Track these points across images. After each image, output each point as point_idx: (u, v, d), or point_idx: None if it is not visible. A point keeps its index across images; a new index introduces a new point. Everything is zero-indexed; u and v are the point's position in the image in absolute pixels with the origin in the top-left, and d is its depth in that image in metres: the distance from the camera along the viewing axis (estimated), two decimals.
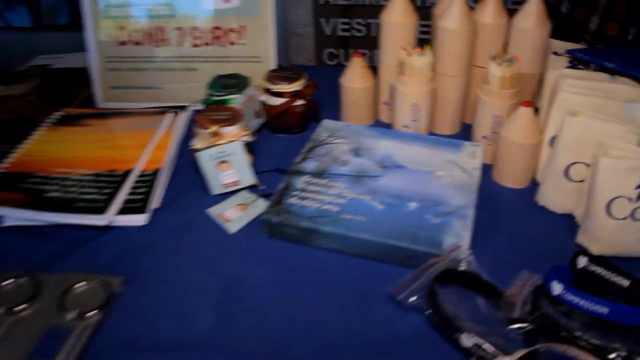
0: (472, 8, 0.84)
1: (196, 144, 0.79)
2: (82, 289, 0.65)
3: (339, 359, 0.57)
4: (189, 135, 0.92)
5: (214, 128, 0.77)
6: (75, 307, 0.63)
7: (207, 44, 0.99)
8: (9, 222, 0.76)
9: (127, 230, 0.75)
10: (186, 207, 0.78)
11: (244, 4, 0.96)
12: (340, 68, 0.92)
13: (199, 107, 0.92)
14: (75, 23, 1.69)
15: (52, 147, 0.88)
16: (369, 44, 1.59)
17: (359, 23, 1.53)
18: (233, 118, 0.79)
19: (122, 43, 1.00)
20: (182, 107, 0.99)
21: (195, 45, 1.00)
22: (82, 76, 1.10)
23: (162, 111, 0.97)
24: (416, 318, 0.61)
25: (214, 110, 0.81)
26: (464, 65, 0.86)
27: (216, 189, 0.79)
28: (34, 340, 0.59)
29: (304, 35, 1.26)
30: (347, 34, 1.58)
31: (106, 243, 0.73)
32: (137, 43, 1.00)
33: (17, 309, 0.63)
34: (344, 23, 1.56)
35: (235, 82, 0.90)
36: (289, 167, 0.79)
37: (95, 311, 0.63)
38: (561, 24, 0.93)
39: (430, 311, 0.59)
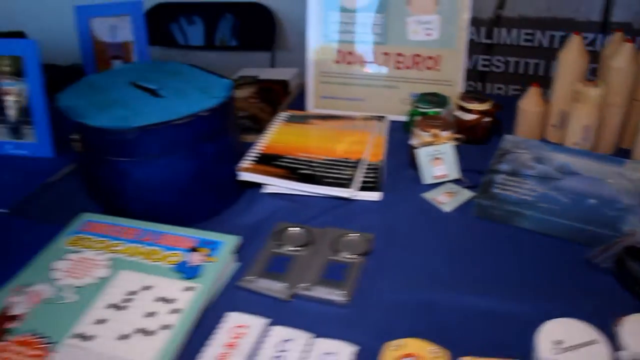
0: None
1: (416, 142, 1.02)
2: (349, 239, 0.88)
3: (544, 301, 0.77)
4: (390, 138, 1.15)
5: (434, 131, 1.00)
6: (345, 251, 0.86)
7: (407, 68, 1.23)
8: (270, 190, 1.00)
9: (365, 203, 0.98)
10: (404, 191, 1.01)
11: (443, 37, 1.20)
12: None
13: (403, 117, 1.17)
14: (243, 46, 2.00)
15: (291, 138, 1.13)
16: (506, 79, 1.82)
17: (498, 60, 1.76)
18: (445, 125, 1.02)
19: (337, 62, 1.26)
20: (381, 117, 1.23)
21: (398, 68, 1.24)
22: (283, 85, 1.36)
23: (370, 118, 1.22)
24: (604, 277, 0.80)
25: (430, 119, 1.04)
26: (627, 98, 1.07)
27: (428, 179, 1.02)
28: (321, 268, 0.82)
29: None
30: (486, 69, 1.82)
31: (350, 211, 0.96)
32: (349, 63, 1.25)
33: (298, 248, 0.87)
34: (484, 59, 1.80)
35: (436, 99, 1.14)
36: (480, 169, 1.01)
37: (358, 256, 0.85)
38: None
39: (618, 271, 0.80)
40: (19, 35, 1.59)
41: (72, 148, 0.95)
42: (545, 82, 1.48)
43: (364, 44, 1.23)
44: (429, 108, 1.10)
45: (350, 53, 1.24)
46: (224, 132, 0.95)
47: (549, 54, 1.66)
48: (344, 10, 1.22)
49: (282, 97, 1.34)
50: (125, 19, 1.37)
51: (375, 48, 1.23)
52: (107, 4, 1.36)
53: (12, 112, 1.18)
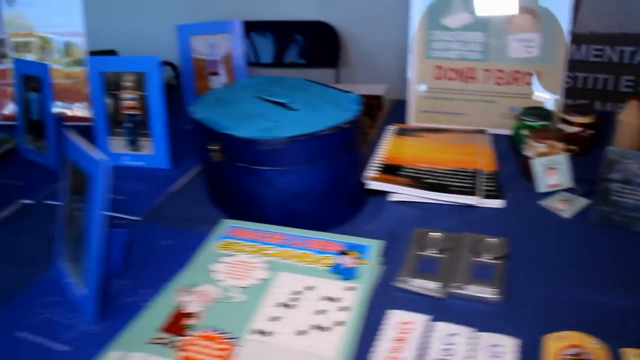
0: None
1: (530, 153, 1.08)
2: (488, 242, 0.94)
3: None
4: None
5: (549, 142, 1.06)
6: (486, 253, 0.91)
7: (507, 83, 1.30)
8: (396, 198, 1.07)
9: (486, 209, 1.04)
10: (521, 199, 1.07)
11: (543, 53, 1.27)
12: None
13: (502, 131, 1.24)
14: (309, 63, 2.07)
15: (406, 149, 1.20)
16: (574, 94, 1.88)
17: (567, 75, 1.83)
18: (558, 137, 1.09)
19: (438, 78, 1.32)
20: (482, 130, 1.29)
21: (498, 84, 1.30)
22: (378, 100, 1.44)
23: (473, 130, 1.28)
24: None
25: (544, 131, 1.11)
26: None
27: (542, 187, 1.08)
28: (468, 269, 0.88)
29: None
30: None
31: (473, 217, 1.02)
32: (450, 78, 1.32)
33: (440, 251, 0.92)
34: None
35: (541, 112, 1.20)
36: (586, 178, 1.07)
37: (498, 258, 0.91)
38: None
39: None
40: (112, 53, 1.66)
41: (209, 158, 1.00)
42: (614, 96, 1.55)
43: (465, 61, 1.29)
44: (534, 121, 1.17)
45: (451, 69, 1.30)
46: (357, 143, 1.01)
47: (619, 69, 1.72)
48: (445, 29, 1.28)
49: (377, 111, 1.40)
50: (225, 37, 1.44)
51: (475, 65, 1.29)
52: (207, 22, 1.43)
53: (130, 125, 1.24)
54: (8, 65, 1.53)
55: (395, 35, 2.10)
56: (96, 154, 0.78)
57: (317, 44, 2.09)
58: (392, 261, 0.91)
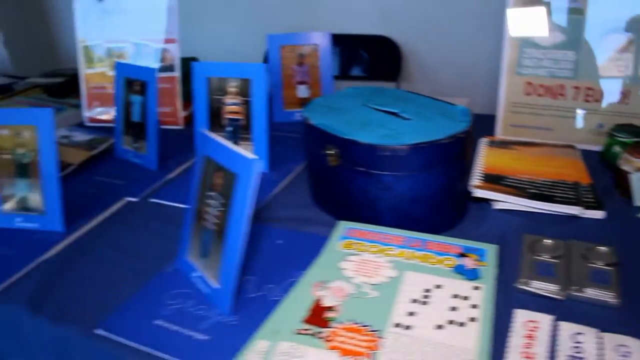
0: None
1: (628, 167, 1.13)
2: (599, 250, 0.98)
3: None
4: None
5: None
6: (598, 260, 0.96)
7: (596, 101, 1.36)
8: (501, 206, 1.12)
9: (586, 220, 1.09)
10: (618, 211, 1.12)
11: (635, 74, 1.32)
12: None
13: (589, 146, 1.31)
14: (370, 76, 2.13)
15: (503, 161, 1.25)
16: None
17: None
18: None
19: (527, 94, 1.38)
20: (571, 145, 1.35)
21: (586, 101, 1.36)
22: None
23: (563, 145, 1.34)
24: None
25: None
26: None
27: (639, 201, 1.13)
28: (584, 274, 0.92)
29: None
30: None
31: (574, 227, 1.07)
32: (539, 95, 1.38)
33: (554, 257, 0.97)
34: None
35: (633, 129, 1.25)
36: None
37: (610, 265, 0.96)
38: None
39: None
40: (193, 59, 1.72)
41: (323, 162, 1.06)
42: None
43: (555, 78, 1.35)
44: (627, 137, 1.22)
45: (541, 86, 1.36)
46: (466, 152, 1.07)
47: None
48: (537, 47, 1.34)
49: None
50: (313, 47, 1.50)
51: (566, 82, 1.35)
52: (296, 33, 1.49)
53: (231, 129, 1.30)
54: (101, 69, 1.59)
55: (455, 50, 2.17)
56: (246, 153, 0.83)
57: (379, 58, 2.15)
58: (502, 265, 0.95)
